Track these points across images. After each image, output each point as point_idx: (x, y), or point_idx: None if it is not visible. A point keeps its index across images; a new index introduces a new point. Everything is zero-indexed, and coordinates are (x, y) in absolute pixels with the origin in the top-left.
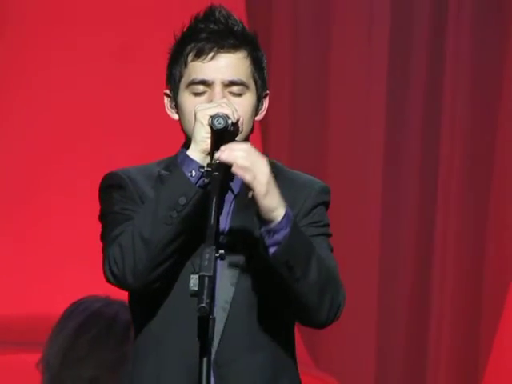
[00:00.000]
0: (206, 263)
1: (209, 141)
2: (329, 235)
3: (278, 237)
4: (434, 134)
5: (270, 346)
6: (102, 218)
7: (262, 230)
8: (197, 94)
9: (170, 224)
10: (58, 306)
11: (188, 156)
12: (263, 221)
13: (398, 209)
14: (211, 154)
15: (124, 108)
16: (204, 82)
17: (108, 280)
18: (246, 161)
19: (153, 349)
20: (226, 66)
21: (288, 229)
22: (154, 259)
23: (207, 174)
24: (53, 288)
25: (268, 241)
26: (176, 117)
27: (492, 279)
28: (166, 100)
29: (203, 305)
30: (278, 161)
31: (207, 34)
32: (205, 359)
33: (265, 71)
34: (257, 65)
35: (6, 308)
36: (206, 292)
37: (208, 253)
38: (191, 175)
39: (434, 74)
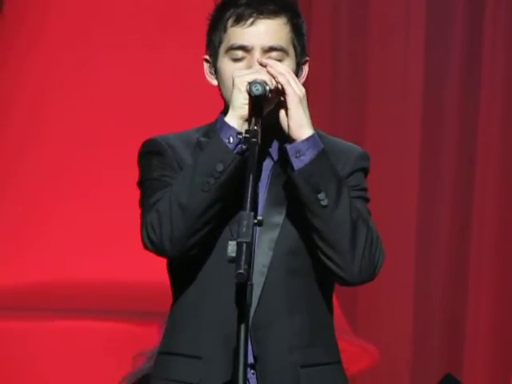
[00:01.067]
0: (244, 229)
1: (247, 107)
2: (367, 199)
3: (305, 158)
4: (472, 120)
5: (307, 310)
6: (141, 184)
7: (289, 148)
8: (236, 60)
9: (208, 191)
10: (90, 274)
11: (226, 122)
12: (291, 140)
13: (435, 183)
14: (249, 120)
15: (162, 75)
16: (243, 48)
17: (146, 247)
18: (289, 74)
19: (191, 315)
20: (266, 31)
21: (315, 150)
22: (192, 226)
23: (245, 140)
24: (88, 256)
25: (295, 162)
26: (215, 83)
27: None
28: (206, 66)
29: (241, 271)
30: (317, 128)
31: (246, 0)
32: (243, 326)
33: (305, 38)
34: (296, 31)
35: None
36: (243, 258)
37: (246, 219)
38: (229, 142)
39: (471, 60)
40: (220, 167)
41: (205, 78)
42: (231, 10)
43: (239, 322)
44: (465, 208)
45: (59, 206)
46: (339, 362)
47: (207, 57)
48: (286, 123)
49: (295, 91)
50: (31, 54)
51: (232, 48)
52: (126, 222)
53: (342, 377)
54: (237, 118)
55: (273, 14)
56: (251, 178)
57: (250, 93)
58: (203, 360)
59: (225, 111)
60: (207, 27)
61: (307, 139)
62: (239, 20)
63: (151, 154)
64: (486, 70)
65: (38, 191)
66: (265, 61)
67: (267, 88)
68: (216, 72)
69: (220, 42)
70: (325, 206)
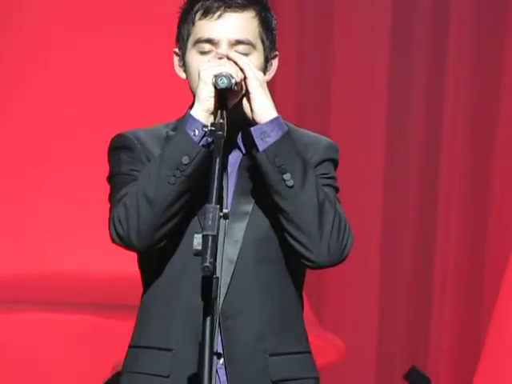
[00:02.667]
0: (210, 222)
1: (212, 100)
2: (336, 188)
3: (270, 140)
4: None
5: (276, 299)
6: (110, 179)
7: (253, 130)
8: (203, 53)
9: (174, 183)
10: (65, 265)
11: (191, 115)
12: (255, 123)
13: (400, 178)
14: (215, 113)
15: (132, 69)
16: (210, 41)
17: (113, 240)
18: (244, 60)
19: (160, 308)
20: (233, 25)
21: (280, 132)
22: (158, 219)
23: (210, 133)
24: (61, 247)
25: (260, 143)
26: (184, 75)
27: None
28: (175, 59)
29: (207, 264)
30: (285, 120)
31: None
32: (208, 318)
33: (274, 32)
34: (265, 25)
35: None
36: (209, 251)
37: (211, 212)
38: (194, 134)
39: (436, 66)
40: (185, 160)
41: (174, 70)
42: (200, 3)
43: (205, 315)
44: (430, 200)
45: (25, 199)
46: (309, 352)
47: (176, 50)
48: (249, 109)
49: (255, 74)
50: None
51: (199, 41)
52: (94, 215)
53: (312, 366)
54: (202, 110)
55: (241, 7)
56: (217, 170)
57: (215, 86)
58: (173, 352)
59: (193, 105)
60: (177, 20)
61: (271, 121)
62: (207, 13)
63: (120, 149)
64: (452, 58)
65: (3, 185)
66: (221, 52)
67: (233, 81)
68: (184, 65)
69: (188, 35)
70: (291, 187)
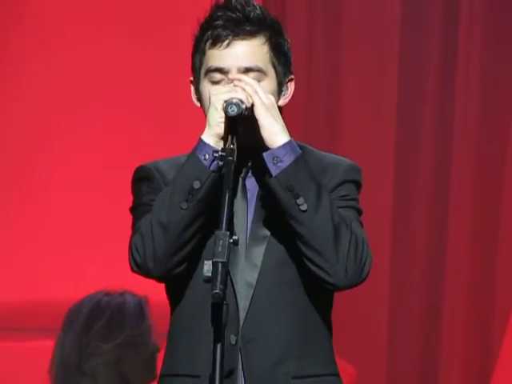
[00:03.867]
0: (220, 249)
1: (222, 125)
2: (357, 210)
3: (282, 164)
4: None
5: (297, 322)
6: (133, 210)
7: (265, 156)
8: (214, 82)
9: (186, 208)
10: (63, 292)
11: (202, 140)
12: (267, 148)
13: (410, 189)
14: (225, 138)
15: (151, 99)
16: (220, 70)
17: (132, 269)
18: (256, 84)
19: (185, 334)
20: (242, 52)
21: (293, 156)
22: (173, 244)
23: (221, 158)
24: (59, 274)
25: (272, 168)
26: (199, 105)
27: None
28: (192, 88)
29: (217, 291)
30: (303, 143)
31: (223, 21)
32: (219, 345)
33: (288, 55)
34: (277, 50)
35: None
36: (219, 278)
37: (221, 238)
38: (204, 159)
39: (447, 62)
40: (197, 184)
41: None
42: (209, 32)
43: (215, 342)
44: (440, 212)
45: (22, 219)
46: (335, 375)
47: (192, 79)
48: (261, 135)
49: (262, 100)
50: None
51: (210, 70)
52: (106, 240)
53: None
54: (212, 135)
55: (249, 34)
56: (227, 196)
57: (226, 112)
58: (201, 379)
59: None
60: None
61: (283, 145)
62: (216, 42)
63: (142, 180)
64: (462, 72)
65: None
66: (232, 76)
67: (243, 107)
68: (198, 94)
69: (200, 65)
70: (304, 211)
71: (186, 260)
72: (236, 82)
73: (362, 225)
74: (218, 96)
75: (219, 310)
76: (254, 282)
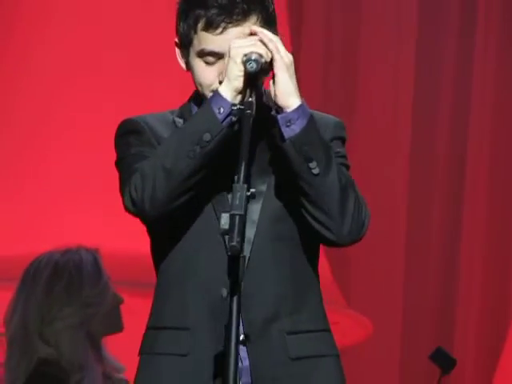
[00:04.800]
0: (237, 202)
1: (241, 79)
2: (347, 166)
3: (295, 127)
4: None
5: (292, 277)
6: (120, 161)
7: (279, 118)
8: (208, 63)
9: (193, 158)
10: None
11: (219, 93)
12: (280, 109)
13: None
14: (243, 92)
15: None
16: (214, 54)
17: (127, 208)
18: (278, 41)
19: (175, 287)
20: (237, 37)
21: (305, 120)
22: (174, 190)
23: (239, 111)
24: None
25: (285, 131)
26: (185, 68)
27: None
28: (177, 50)
29: (234, 243)
30: None
31: (215, 3)
32: (235, 298)
33: (275, 19)
34: (267, 23)
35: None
36: (236, 230)
37: (239, 191)
38: (219, 112)
39: (463, 62)
40: (207, 137)
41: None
42: (201, 12)
43: (232, 294)
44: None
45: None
46: (327, 330)
47: (177, 41)
48: (273, 92)
49: (282, 57)
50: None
51: (203, 52)
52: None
53: (331, 344)
54: (231, 89)
55: (243, 18)
56: (245, 150)
57: (245, 67)
58: (191, 331)
59: (195, 96)
60: (176, 12)
61: (297, 108)
62: (209, 26)
63: (128, 133)
64: (478, 67)
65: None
66: (254, 28)
67: (262, 60)
68: (187, 63)
69: (190, 40)
70: (316, 175)
71: (181, 208)
72: (259, 37)
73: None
74: (237, 49)
75: (235, 263)
76: (252, 237)
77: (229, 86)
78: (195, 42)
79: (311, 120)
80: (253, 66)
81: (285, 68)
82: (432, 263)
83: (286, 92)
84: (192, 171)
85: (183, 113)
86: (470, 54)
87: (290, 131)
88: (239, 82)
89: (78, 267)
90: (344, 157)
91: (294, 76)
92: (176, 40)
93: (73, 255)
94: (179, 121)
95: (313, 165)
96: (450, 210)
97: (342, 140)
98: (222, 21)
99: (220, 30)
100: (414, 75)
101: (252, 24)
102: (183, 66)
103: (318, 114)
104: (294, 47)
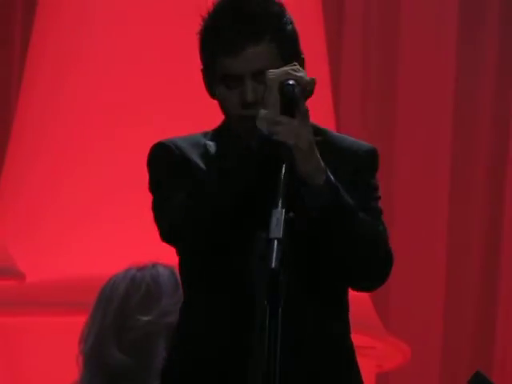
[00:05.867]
0: (275, 226)
1: (278, 107)
2: (378, 198)
3: (317, 203)
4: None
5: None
6: (152, 186)
7: (303, 192)
8: (230, 88)
9: (235, 195)
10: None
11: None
12: (303, 185)
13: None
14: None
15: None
16: (234, 77)
17: (164, 238)
18: (289, 132)
19: (202, 308)
20: (254, 58)
21: (329, 193)
22: (217, 225)
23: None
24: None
25: (309, 203)
26: (212, 96)
27: None
28: (205, 79)
29: (273, 266)
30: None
31: (228, 27)
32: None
33: (295, 39)
34: (283, 43)
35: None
36: (274, 254)
37: (276, 216)
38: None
39: (505, 61)
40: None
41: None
42: (216, 38)
43: (271, 320)
44: (496, 210)
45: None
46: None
47: (203, 69)
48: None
49: (302, 149)
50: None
51: (224, 77)
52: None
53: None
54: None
55: (257, 37)
56: (284, 174)
57: (281, 94)
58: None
59: (227, 121)
60: (198, 42)
61: (320, 186)
62: (228, 50)
63: (160, 157)
64: None
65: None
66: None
67: (297, 89)
68: (212, 90)
69: (213, 69)
70: (339, 236)
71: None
72: (295, 64)
73: (381, 212)
74: (274, 78)
75: (274, 288)
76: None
77: (267, 116)
78: (217, 69)
79: (335, 189)
80: (289, 90)
81: (303, 157)
82: (472, 287)
83: (308, 175)
84: (236, 208)
85: (215, 136)
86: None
87: (312, 203)
88: (276, 111)
89: (156, 279)
90: (376, 189)
91: (315, 153)
92: (202, 68)
93: (150, 270)
94: (210, 144)
95: (333, 230)
96: (490, 236)
97: (375, 168)
98: (239, 43)
99: (238, 51)
100: (454, 95)
101: (267, 44)
102: (210, 93)
103: (349, 139)
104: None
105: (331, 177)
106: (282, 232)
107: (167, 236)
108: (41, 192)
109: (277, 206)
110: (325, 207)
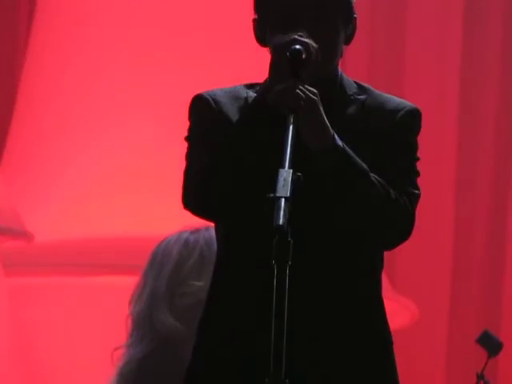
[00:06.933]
0: (282, 184)
1: (286, 71)
2: (415, 159)
3: (321, 166)
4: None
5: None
6: (188, 138)
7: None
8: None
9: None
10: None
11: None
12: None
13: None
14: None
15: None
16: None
17: (186, 206)
18: (292, 96)
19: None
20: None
21: (332, 159)
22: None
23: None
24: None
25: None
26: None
27: None
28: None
29: (279, 223)
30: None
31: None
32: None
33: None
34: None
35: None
36: (281, 212)
37: (283, 175)
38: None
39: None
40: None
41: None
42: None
43: (278, 278)
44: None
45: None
46: None
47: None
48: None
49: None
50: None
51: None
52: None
53: None
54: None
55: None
56: (290, 136)
57: (288, 57)
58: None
59: None
60: None
61: (328, 149)
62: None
63: (198, 110)
64: None
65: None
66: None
67: (304, 54)
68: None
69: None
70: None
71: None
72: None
73: (418, 174)
74: (280, 41)
75: (282, 246)
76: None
77: (274, 78)
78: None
79: (344, 151)
80: (296, 50)
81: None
82: (480, 246)
83: (316, 141)
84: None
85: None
86: None
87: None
88: (284, 76)
89: (209, 243)
90: (411, 149)
91: (322, 118)
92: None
93: (203, 232)
94: (252, 96)
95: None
96: (497, 191)
97: (417, 128)
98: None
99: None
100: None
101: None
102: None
103: (393, 99)
104: None
105: (339, 142)
106: (289, 191)
107: (185, 206)
108: (50, 151)
109: (283, 166)
110: (328, 171)
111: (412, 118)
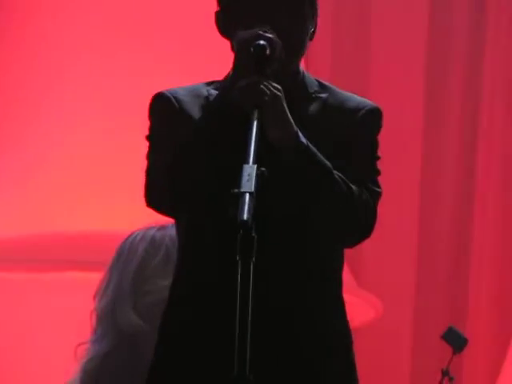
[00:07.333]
0: (247, 180)
1: (249, 66)
2: (376, 158)
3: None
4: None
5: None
6: (148, 137)
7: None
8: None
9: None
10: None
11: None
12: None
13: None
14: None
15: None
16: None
17: (148, 204)
18: (255, 93)
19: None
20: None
21: (295, 156)
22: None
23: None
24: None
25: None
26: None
27: None
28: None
29: (244, 218)
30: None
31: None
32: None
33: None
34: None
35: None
36: (246, 207)
37: (248, 171)
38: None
39: (474, 49)
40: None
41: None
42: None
43: (242, 272)
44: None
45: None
46: None
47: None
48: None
49: (273, 116)
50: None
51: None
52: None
53: None
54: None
55: None
56: (254, 132)
57: (252, 54)
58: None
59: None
60: None
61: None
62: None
63: (158, 109)
64: (488, 63)
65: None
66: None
67: (268, 50)
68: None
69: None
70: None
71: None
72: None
73: (378, 173)
74: (243, 36)
75: (246, 241)
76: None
77: (238, 75)
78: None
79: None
80: (259, 52)
81: (273, 123)
82: (445, 242)
83: (279, 139)
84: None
85: (219, 86)
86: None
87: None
88: (247, 72)
89: (175, 242)
90: (372, 148)
91: (285, 116)
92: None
93: (169, 230)
94: (213, 94)
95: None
96: (461, 185)
97: (377, 127)
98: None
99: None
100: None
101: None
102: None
103: (354, 97)
104: None
105: (302, 139)
106: (253, 186)
107: (147, 204)
108: (6, 146)
109: (248, 162)
110: (291, 167)
111: (373, 117)
